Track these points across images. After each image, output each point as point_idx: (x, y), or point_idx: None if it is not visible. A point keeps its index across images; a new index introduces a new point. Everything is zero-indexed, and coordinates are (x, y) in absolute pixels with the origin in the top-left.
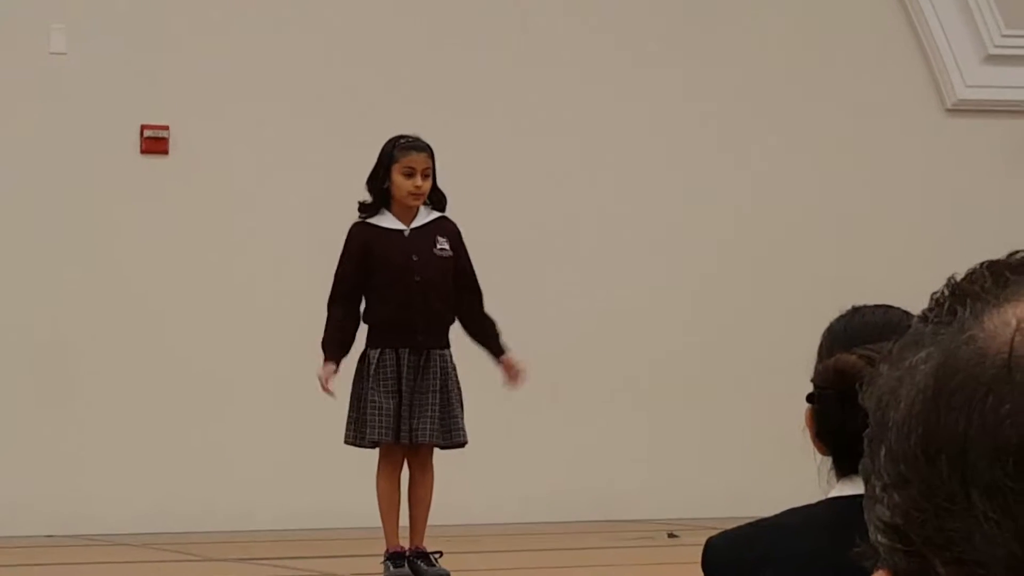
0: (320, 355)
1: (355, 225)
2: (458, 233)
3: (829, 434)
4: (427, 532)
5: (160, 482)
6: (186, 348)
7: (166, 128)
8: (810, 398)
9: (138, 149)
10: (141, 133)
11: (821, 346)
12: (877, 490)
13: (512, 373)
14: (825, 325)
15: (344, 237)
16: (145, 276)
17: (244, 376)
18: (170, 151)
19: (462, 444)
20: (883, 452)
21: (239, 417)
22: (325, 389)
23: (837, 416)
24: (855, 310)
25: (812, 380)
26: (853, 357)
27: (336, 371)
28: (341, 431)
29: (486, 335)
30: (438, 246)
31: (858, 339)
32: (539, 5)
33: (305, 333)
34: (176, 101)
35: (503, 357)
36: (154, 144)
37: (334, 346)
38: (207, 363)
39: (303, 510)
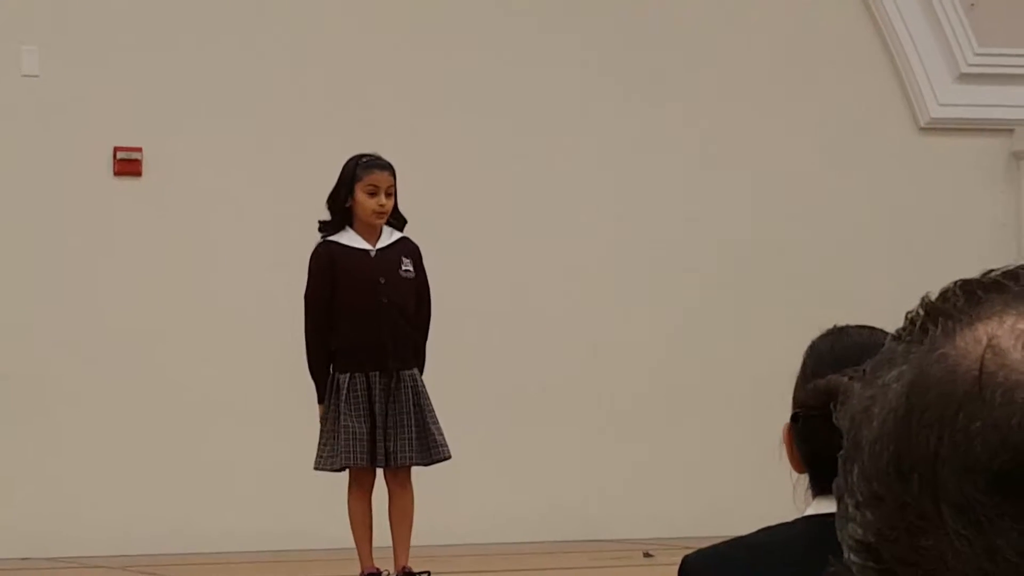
0: (307, 382)
1: (321, 244)
2: (419, 254)
3: (811, 453)
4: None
5: (135, 504)
6: (160, 371)
7: (139, 150)
8: (795, 417)
9: (111, 171)
10: (114, 155)
11: (805, 365)
12: (850, 508)
13: None
14: (800, 344)
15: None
16: (119, 298)
17: (218, 398)
18: (143, 173)
19: (445, 459)
20: (856, 471)
21: (214, 439)
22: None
23: (821, 436)
24: (840, 330)
25: (795, 399)
26: (844, 379)
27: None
28: (314, 453)
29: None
30: (403, 267)
31: (845, 360)
32: (507, 10)
33: (279, 355)
34: (149, 123)
35: None
36: (127, 166)
37: (324, 380)
38: (182, 385)
39: (278, 531)
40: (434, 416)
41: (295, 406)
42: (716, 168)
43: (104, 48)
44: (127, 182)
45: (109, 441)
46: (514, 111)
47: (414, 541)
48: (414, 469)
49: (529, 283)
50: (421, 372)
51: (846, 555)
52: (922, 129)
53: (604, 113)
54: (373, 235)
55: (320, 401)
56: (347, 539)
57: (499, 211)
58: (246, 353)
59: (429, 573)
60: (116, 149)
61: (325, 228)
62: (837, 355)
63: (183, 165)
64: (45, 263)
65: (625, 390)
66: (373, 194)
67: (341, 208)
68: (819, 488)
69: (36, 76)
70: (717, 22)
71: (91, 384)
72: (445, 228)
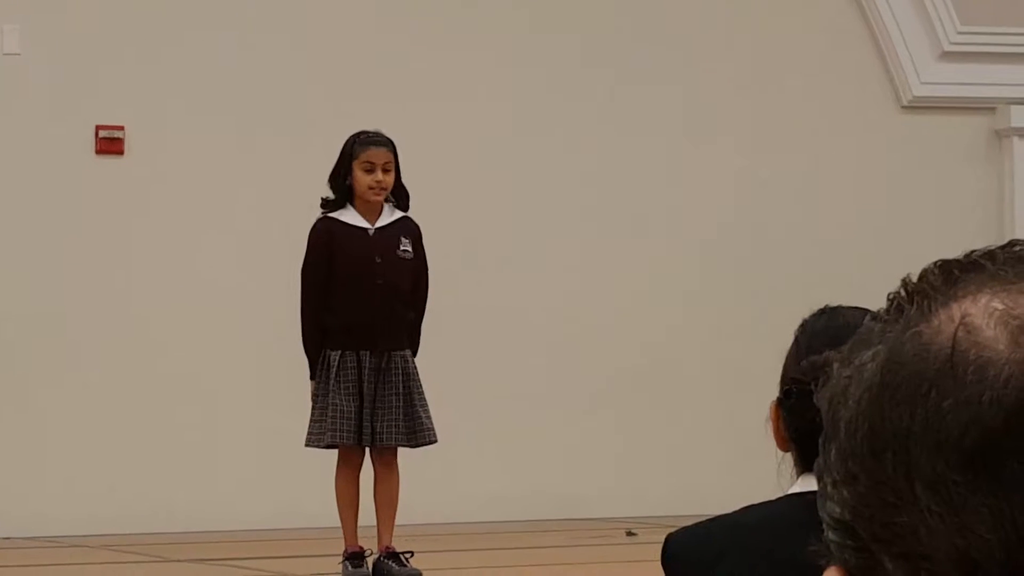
0: (290, 361)
1: (319, 220)
2: (420, 235)
3: (799, 431)
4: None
5: (118, 484)
6: (144, 349)
7: (121, 128)
8: (788, 394)
9: (93, 149)
10: (96, 133)
11: (798, 343)
12: (828, 487)
13: None
14: (783, 325)
15: (305, 234)
16: (101, 277)
17: (200, 377)
18: (125, 151)
19: (431, 443)
20: (833, 450)
21: (197, 418)
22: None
23: (813, 413)
24: (833, 310)
25: (787, 376)
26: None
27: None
28: (299, 432)
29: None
30: (401, 247)
31: (840, 338)
32: (492, 6)
33: (263, 335)
34: (131, 101)
35: None
36: (109, 144)
37: (316, 361)
38: (165, 364)
39: (261, 511)
40: (423, 399)
41: (278, 386)
42: (697, 146)
43: (86, 26)
44: (109, 160)
45: (89, 421)
46: (504, 104)
47: (398, 520)
48: (400, 450)
49: (514, 268)
50: (415, 353)
51: (825, 533)
52: (904, 107)
53: (586, 98)
54: (374, 213)
55: (312, 377)
56: (331, 518)
57: (489, 198)
58: (229, 332)
59: (412, 553)
60: (98, 128)
61: (327, 205)
62: (832, 333)
63: (165, 144)
64: (25, 242)
65: (608, 371)
66: (370, 171)
67: (342, 186)
68: (805, 466)
69: (17, 54)
70: (697, 2)
71: (72, 364)
72: (434, 215)
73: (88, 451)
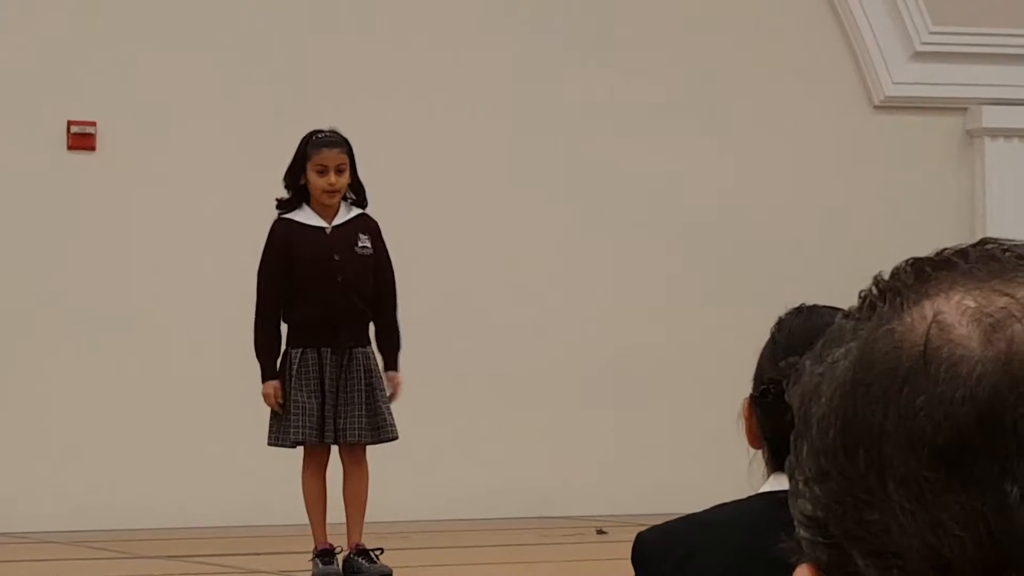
0: (254, 360)
1: (277, 222)
2: (379, 231)
3: (774, 430)
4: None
5: (91, 479)
6: (115, 345)
7: (93, 124)
8: (764, 393)
9: (65, 145)
10: (68, 129)
11: (774, 342)
12: (800, 485)
13: (392, 391)
14: (756, 324)
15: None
16: (72, 273)
17: (174, 374)
18: (97, 147)
19: (392, 439)
20: (805, 448)
21: (169, 414)
22: (275, 407)
23: (789, 414)
24: (811, 309)
25: (763, 375)
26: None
27: (280, 384)
28: (267, 429)
29: (388, 345)
30: (359, 244)
31: (818, 338)
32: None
33: (234, 331)
34: (103, 96)
35: (390, 373)
36: (81, 140)
37: (270, 358)
38: (137, 360)
39: (232, 507)
40: (384, 395)
41: (247, 383)
42: (672, 148)
43: (57, 19)
44: (81, 156)
45: (64, 417)
46: (481, 101)
47: (368, 517)
48: (369, 447)
49: (490, 265)
50: (397, 349)
51: (797, 530)
52: (876, 107)
53: (563, 96)
54: (330, 212)
55: (264, 379)
56: (301, 515)
57: (460, 191)
58: (197, 329)
59: (382, 550)
60: (70, 123)
61: (283, 206)
62: (810, 333)
63: (137, 139)
64: None
65: (579, 370)
66: (322, 173)
67: (296, 186)
68: (776, 465)
69: None
70: (671, 2)
71: (45, 360)
72: (404, 208)
73: (60, 447)
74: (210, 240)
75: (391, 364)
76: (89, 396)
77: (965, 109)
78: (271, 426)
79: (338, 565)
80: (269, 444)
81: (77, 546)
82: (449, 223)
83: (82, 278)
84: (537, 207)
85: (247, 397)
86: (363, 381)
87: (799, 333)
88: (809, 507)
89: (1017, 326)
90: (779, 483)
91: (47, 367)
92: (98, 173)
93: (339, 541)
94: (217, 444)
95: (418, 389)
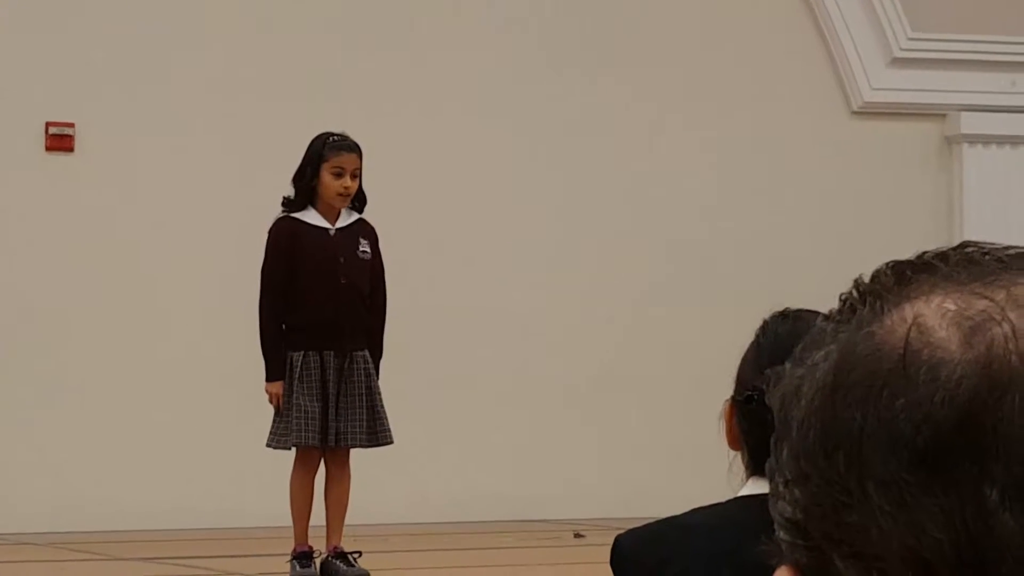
0: (244, 359)
1: (280, 220)
2: (376, 237)
3: (756, 436)
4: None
5: (64, 481)
6: (91, 347)
7: (71, 125)
8: (748, 399)
9: (43, 146)
10: (46, 130)
11: (759, 347)
12: (780, 487)
13: None
14: (738, 329)
15: (257, 234)
16: (50, 275)
17: (150, 376)
18: (75, 148)
19: (389, 443)
20: (785, 450)
21: (145, 416)
22: (279, 407)
23: (771, 420)
24: (797, 314)
25: (746, 379)
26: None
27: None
28: (248, 430)
29: (372, 352)
30: (360, 248)
31: None
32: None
33: (213, 330)
34: (81, 98)
35: None
36: (59, 141)
37: (279, 362)
38: (112, 362)
39: (210, 510)
40: (382, 399)
41: (224, 386)
42: (650, 152)
43: (36, 20)
44: (59, 158)
45: (37, 418)
46: (469, 105)
47: (346, 521)
48: (352, 451)
49: (473, 271)
50: (379, 357)
51: (777, 533)
52: (855, 113)
53: (548, 100)
54: (333, 214)
55: (270, 379)
56: (278, 517)
57: (443, 197)
58: (175, 332)
59: (360, 553)
60: (48, 124)
61: (288, 205)
62: (796, 339)
63: (115, 141)
64: None
65: (556, 374)
66: (339, 175)
67: (306, 186)
68: (756, 468)
69: None
70: (650, 7)
71: (21, 362)
72: (389, 212)
73: (34, 448)
74: (188, 242)
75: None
76: (64, 398)
77: (943, 115)
78: (272, 428)
79: (316, 568)
80: (268, 446)
81: (53, 548)
82: (432, 229)
83: (58, 279)
84: (521, 213)
85: (225, 400)
86: (364, 385)
87: (784, 338)
88: (789, 509)
89: (997, 329)
90: (758, 486)
91: (21, 369)
92: (76, 174)
93: (318, 544)
94: (195, 447)
95: (398, 393)
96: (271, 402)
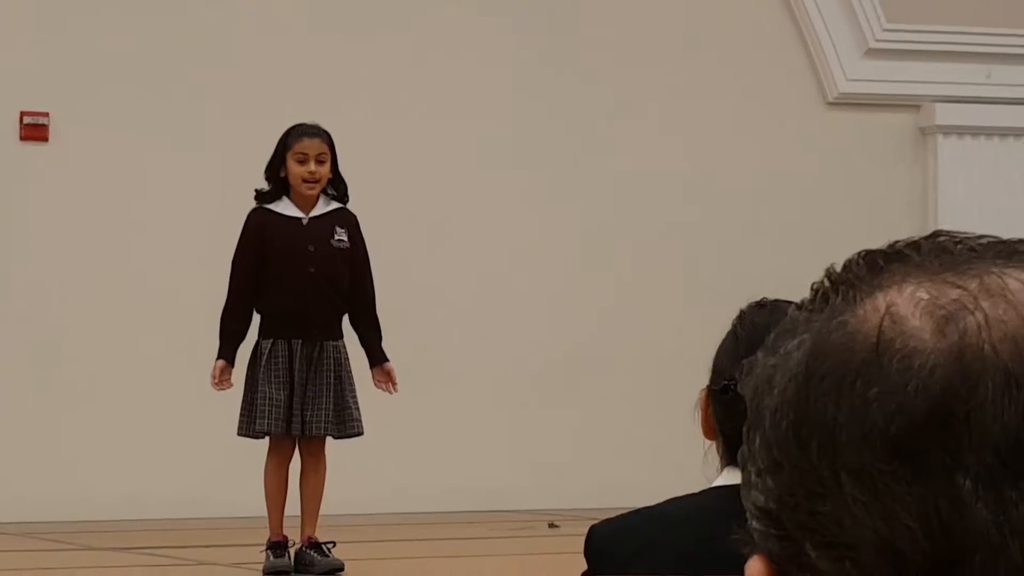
0: (207, 353)
1: (253, 211)
2: (357, 225)
3: (732, 426)
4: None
5: (41, 470)
6: (67, 335)
7: (46, 115)
8: (724, 389)
9: (17, 136)
10: (20, 120)
11: (736, 337)
12: (752, 476)
13: (388, 381)
14: (711, 319)
15: (233, 226)
16: (25, 264)
17: (128, 364)
18: (50, 138)
19: (358, 434)
20: (758, 439)
21: (121, 405)
22: (214, 385)
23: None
24: (774, 304)
25: (723, 369)
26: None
27: (230, 366)
28: (224, 420)
29: (370, 339)
30: (336, 236)
31: None
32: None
33: (186, 321)
34: (56, 87)
35: (382, 364)
36: (34, 131)
37: (229, 342)
38: (90, 350)
39: (184, 499)
40: (353, 390)
41: (200, 375)
42: (625, 145)
43: (9, 9)
44: (33, 147)
45: (13, 406)
46: (436, 96)
47: (321, 511)
48: (327, 441)
49: (442, 259)
50: (380, 339)
51: (749, 522)
52: (830, 104)
53: (526, 94)
54: (308, 205)
55: (219, 357)
56: (253, 507)
57: (417, 192)
58: (151, 322)
59: (334, 543)
60: (23, 113)
61: (261, 197)
62: (772, 329)
63: (90, 130)
64: None
65: (531, 364)
66: (302, 162)
67: (276, 177)
68: (731, 459)
69: None
70: (624, 1)
71: None
72: (369, 203)
73: (9, 437)
74: (163, 232)
75: (379, 356)
76: (37, 386)
77: (918, 106)
78: (240, 416)
79: (290, 558)
80: (239, 434)
81: (28, 537)
82: (405, 223)
83: (31, 268)
84: (494, 206)
85: (200, 389)
86: (332, 374)
87: (761, 327)
88: (761, 498)
89: (970, 318)
90: (733, 477)
91: None
92: (51, 164)
93: (292, 534)
94: (170, 436)
95: (370, 384)
96: (212, 377)
